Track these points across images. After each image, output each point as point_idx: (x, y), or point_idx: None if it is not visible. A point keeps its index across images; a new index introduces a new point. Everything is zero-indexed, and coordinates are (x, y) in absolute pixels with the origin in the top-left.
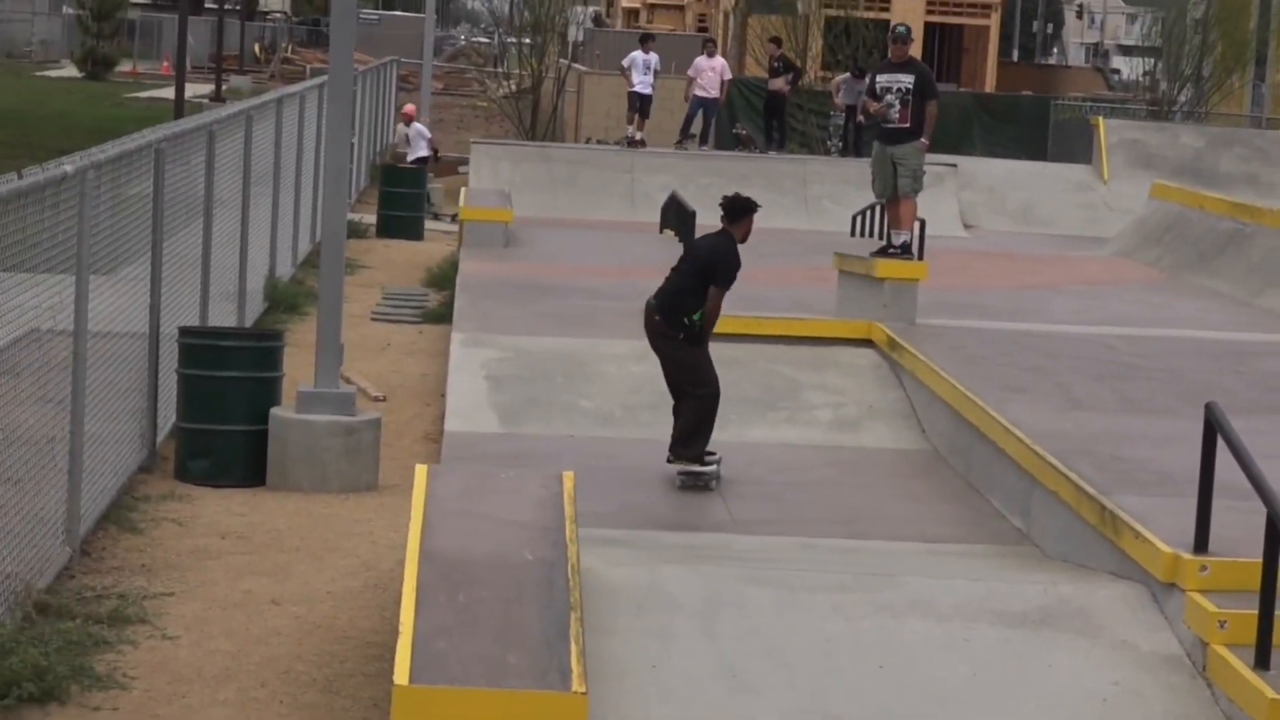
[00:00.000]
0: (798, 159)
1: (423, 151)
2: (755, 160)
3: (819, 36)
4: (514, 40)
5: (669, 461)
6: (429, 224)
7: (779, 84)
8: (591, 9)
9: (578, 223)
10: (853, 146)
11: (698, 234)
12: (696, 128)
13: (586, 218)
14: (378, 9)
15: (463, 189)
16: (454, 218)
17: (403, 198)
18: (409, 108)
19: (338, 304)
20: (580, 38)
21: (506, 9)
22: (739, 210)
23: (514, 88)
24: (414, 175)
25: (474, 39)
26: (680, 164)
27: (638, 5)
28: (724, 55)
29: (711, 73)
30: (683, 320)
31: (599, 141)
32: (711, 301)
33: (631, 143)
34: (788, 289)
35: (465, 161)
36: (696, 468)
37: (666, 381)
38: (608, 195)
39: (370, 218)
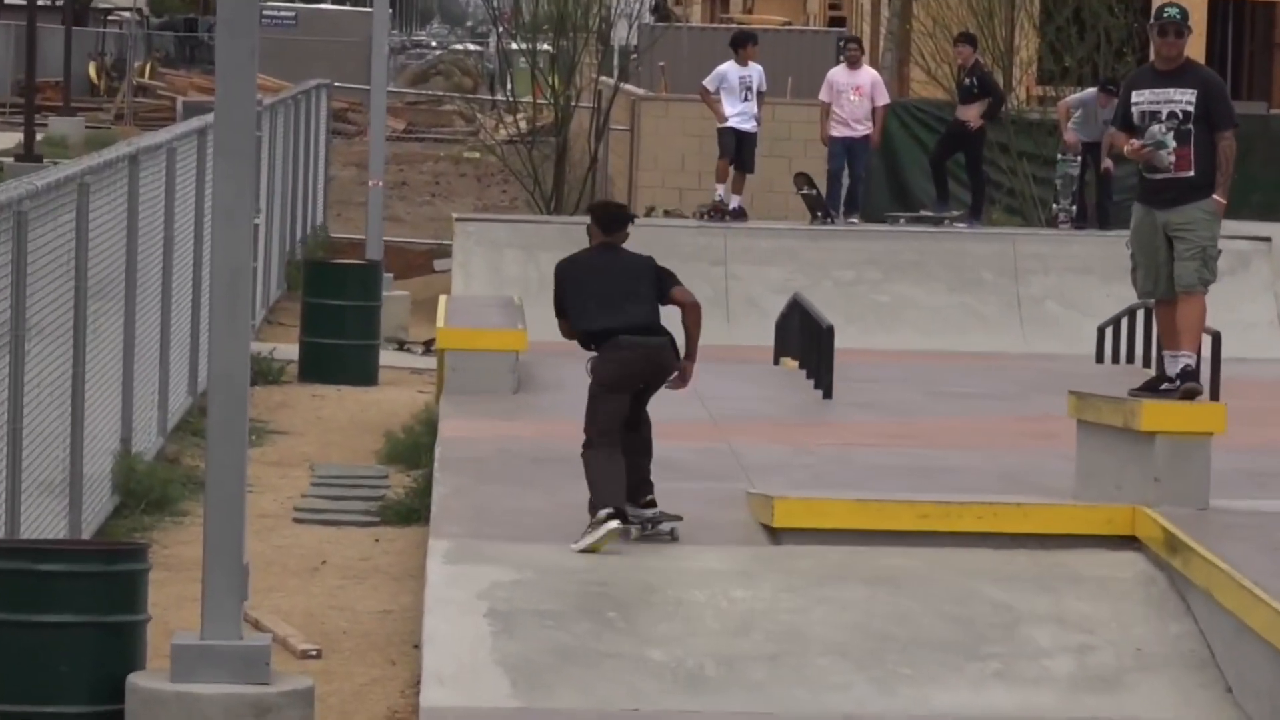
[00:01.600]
0: (1003, 235)
1: None
2: (930, 238)
3: (1032, 30)
4: (523, 48)
5: (648, 508)
6: (387, 357)
7: (972, 113)
8: None
9: None
10: (1095, 212)
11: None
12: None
13: None
14: (294, 1)
15: (442, 298)
16: (428, 346)
17: (341, 315)
18: None
19: (238, 497)
20: (633, 39)
21: None
22: (623, 220)
23: (524, 126)
24: (360, 275)
25: (456, 46)
26: (805, 248)
27: None
28: (876, 65)
29: (856, 95)
30: None
31: (667, 212)
32: (693, 311)
33: (724, 213)
34: (991, 453)
35: (444, 251)
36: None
37: (620, 421)
38: None
39: (290, 348)
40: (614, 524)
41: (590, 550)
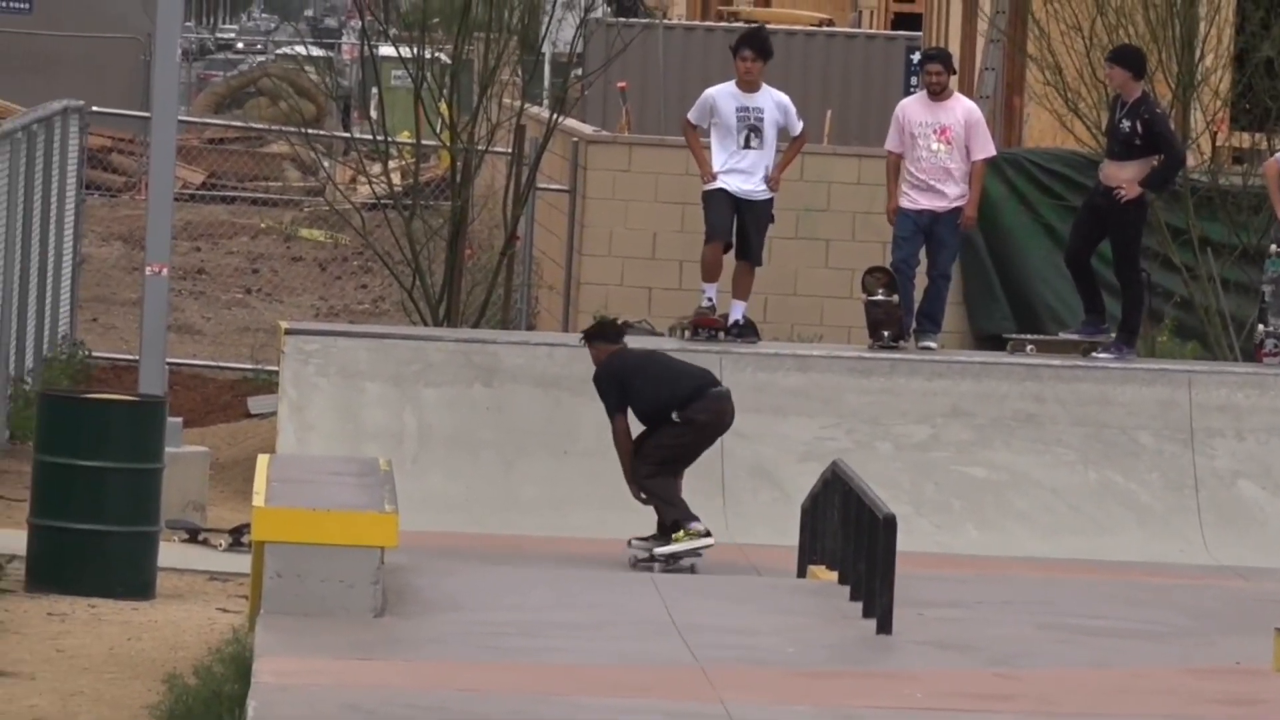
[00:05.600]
0: (1173, 373)
1: None
2: (1055, 378)
3: (1230, 43)
4: (402, 55)
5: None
6: (171, 553)
7: (1128, 175)
8: None
9: (575, 549)
10: None
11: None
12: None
13: (599, 535)
14: None
15: (261, 459)
16: (237, 537)
17: (98, 485)
18: None
19: None
20: (578, 44)
21: None
22: (621, 331)
23: (399, 182)
24: (129, 420)
25: (288, 49)
26: (853, 388)
27: None
28: (972, 94)
29: (941, 142)
30: None
31: (629, 324)
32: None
33: (718, 329)
34: None
35: (268, 384)
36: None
37: (685, 462)
38: None
39: (13, 536)
40: (710, 540)
41: (673, 556)
